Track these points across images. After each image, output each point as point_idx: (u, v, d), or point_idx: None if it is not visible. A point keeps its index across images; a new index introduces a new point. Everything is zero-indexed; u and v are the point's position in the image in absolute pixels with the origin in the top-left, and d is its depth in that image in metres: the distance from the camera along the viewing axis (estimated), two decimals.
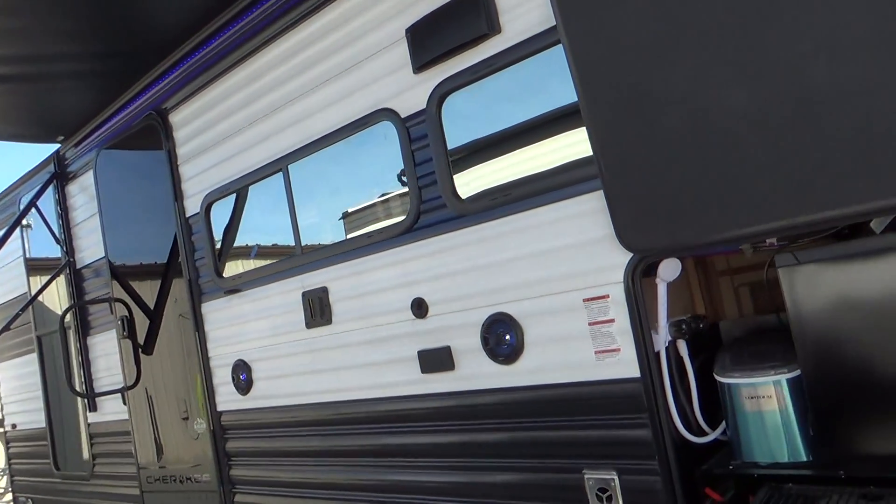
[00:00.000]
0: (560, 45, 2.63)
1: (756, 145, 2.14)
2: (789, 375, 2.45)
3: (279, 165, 3.84)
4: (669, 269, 2.55)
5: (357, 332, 3.51)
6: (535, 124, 2.84)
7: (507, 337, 2.90)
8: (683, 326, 2.62)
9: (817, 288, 2.32)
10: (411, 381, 3.27)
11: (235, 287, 4.19)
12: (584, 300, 2.67)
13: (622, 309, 2.57)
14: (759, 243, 2.74)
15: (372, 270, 3.41)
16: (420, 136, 3.16)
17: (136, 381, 4.95)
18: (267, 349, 4.01)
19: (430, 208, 3.15)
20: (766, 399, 2.48)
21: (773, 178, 2.10)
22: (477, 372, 3.03)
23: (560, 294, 2.74)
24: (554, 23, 2.56)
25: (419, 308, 3.20)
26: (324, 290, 3.64)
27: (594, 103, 2.46)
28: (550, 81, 2.78)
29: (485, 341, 2.98)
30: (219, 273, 4.32)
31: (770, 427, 2.49)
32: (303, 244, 3.76)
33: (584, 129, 2.63)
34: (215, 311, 4.37)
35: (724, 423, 2.68)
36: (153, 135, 5.06)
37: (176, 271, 4.74)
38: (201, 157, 4.39)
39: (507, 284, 2.89)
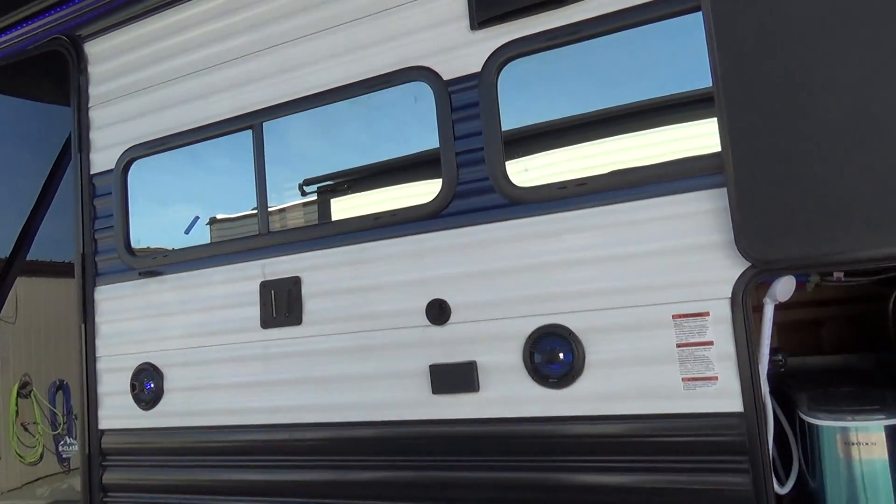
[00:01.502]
0: (667, 20, 2.28)
1: None
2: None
3: (248, 122, 3.06)
4: (785, 289, 2.21)
5: (339, 337, 2.78)
6: (625, 111, 2.43)
7: (562, 355, 2.38)
8: (781, 359, 2.28)
9: None
10: (416, 403, 2.61)
11: (153, 269, 3.26)
12: (675, 316, 2.24)
13: (724, 329, 2.17)
14: (827, 275, 2.52)
15: (373, 261, 2.74)
16: (466, 104, 2.61)
17: None
18: (192, 352, 3.11)
19: (469, 192, 2.58)
20: (869, 446, 2.18)
21: None
22: (512, 395, 2.46)
23: (641, 307, 2.29)
24: None
25: (438, 312, 2.58)
26: (294, 282, 2.88)
27: (734, 88, 2.10)
28: (648, 62, 2.40)
29: (529, 358, 2.43)
30: (129, 249, 3.36)
31: (870, 478, 2.18)
32: (269, 222, 2.99)
33: (690, 120, 2.28)
34: (115, 299, 3.37)
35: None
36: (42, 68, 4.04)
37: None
38: (125, 102, 3.46)
39: (569, 292, 2.39)
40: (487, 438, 2.48)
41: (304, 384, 2.83)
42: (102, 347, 3.39)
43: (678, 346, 2.23)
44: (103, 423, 3.35)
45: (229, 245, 3.08)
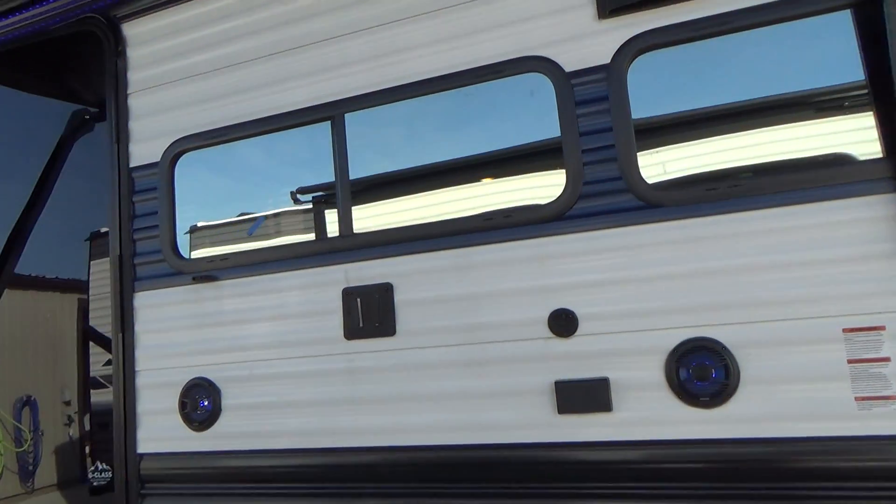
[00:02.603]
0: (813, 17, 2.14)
1: None
2: None
3: (327, 113, 2.78)
4: None
5: (441, 350, 2.51)
6: (778, 103, 2.27)
7: (714, 371, 2.17)
8: None
9: None
10: (538, 424, 2.36)
11: (208, 273, 2.91)
12: (845, 330, 2.07)
13: None
14: None
15: (482, 267, 2.48)
16: (592, 98, 2.41)
17: None
18: (259, 365, 2.78)
19: (597, 192, 2.37)
20: None
21: None
22: (653, 416, 2.24)
23: (805, 320, 2.11)
24: None
25: (563, 323, 2.35)
26: (385, 289, 2.60)
27: None
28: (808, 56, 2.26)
29: (675, 375, 2.21)
30: (177, 251, 3.00)
31: None
32: (354, 223, 2.70)
33: (850, 115, 2.14)
34: (160, 306, 3.01)
35: None
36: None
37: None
38: (172, 89, 3.12)
39: (719, 302, 2.20)
40: (623, 463, 2.24)
41: (398, 402, 2.54)
42: (143, 360, 3.01)
43: (849, 362, 2.06)
44: (143, 446, 2.96)
45: (303, 247, 2.78)
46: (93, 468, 3.04)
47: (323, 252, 2.72)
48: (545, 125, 2.48)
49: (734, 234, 2.20)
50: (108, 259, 3.12)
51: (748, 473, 2.11)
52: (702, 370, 2.19)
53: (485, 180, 2.62)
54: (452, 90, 2.62)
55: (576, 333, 2.34)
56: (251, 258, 2.86)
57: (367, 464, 2.56)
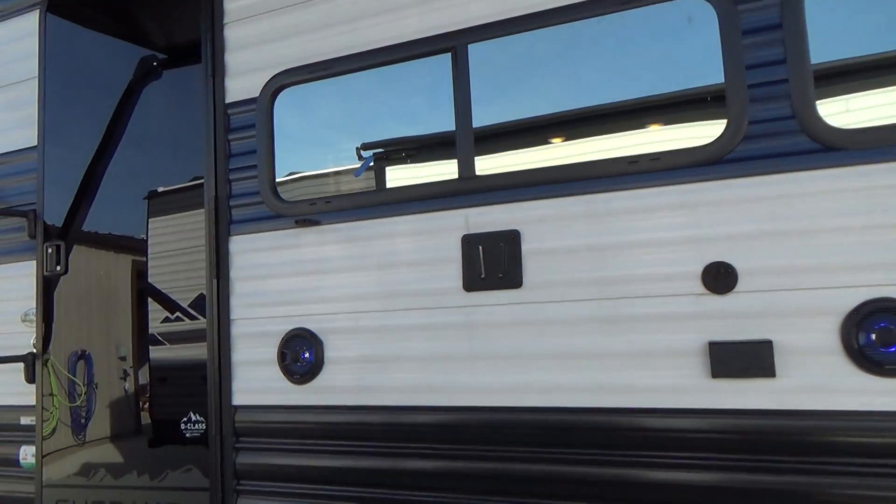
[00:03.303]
0: None
1: None
2: None
3: (447, 43, 2.54)
4: None
5: (574, 305, 2.29)
6: None
7: None
8: None
9: None
10: (688, 388, 2.14)
11: (312, 216, 2.72)
12: None
13: None
14: None
15: (625, 214, 2.25)
16: (760, 27, 2.13)
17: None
18: (366, 317, 2.59)
19: (764, 133, 2.11)
20: None
21: None
22: (825, 384, 1.99)
23: None
24: None
25: (719, 278, 2.11)
26: (511, 236, 2.38)
27: None
28: None
29: (852, 339, 1.96)
30: (276, 192, 2.82)
31: None
32: (476, 164, 2.48)
33: None
34: (257, 251, 2.84)
35: None
36: None
37: None
38: (272, 20, 2.91)
39: None
40: (787, 434, 2.01)
41: (523, 359, 2.33)
42: (239, 308, 2.85)
43: None
44: (238, 398, 2.82)
45: (418, 190, 2.56)
46: (185, 419, 2.91)
47: (441, 195, 2.51)
48: (704, 58, 2.21)
49: None
50: (165, 217, 2.98)
51: None
52: (886, 335, 1.93)
53: (632, 120, 2.37)
54: (591, 18, 2.36)
55: (734, 290, 2.10)
56: (358, 201, 2.66)
57: (485, 423, 2.37)
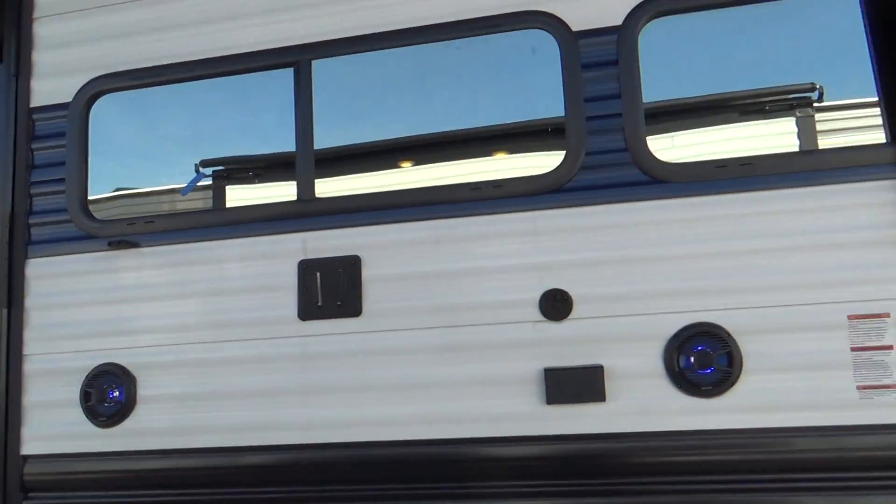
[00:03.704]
0: None
1: None
2: None
3: (292, 57, 2.43)
4: None
5: (417, 334, 2.22)
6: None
7: (717, 358, 2.05)
8: None
9: None
10: (524, 416, 2.13)
11: (129, 238, 2.45)
12: (850, 317, 2.01)
13: None
14: None
15: (468, 241, 2.23)
16: (600, 62, 2.24)
17: None
18: (188, 349, 2.35)
19: (601, 164, 2.20)
20: None
21: None
22: (650, 406, 2.08)
23: (810, 306, 2.04)
24: None
25: (555, 304, 2.15)
26: (351, 262, 2.28)
27: None
28: None
29: (674, 363, 2.07)
30: (87, 210, 2.52)
31: None
32: (318, 186, 2.36)
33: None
34: (60, 276, 2.50)
35: None
36: None
37: None
38: (93, 18, 2.64)
39: (724, 286, 2.08)
40: (617, 456, 2.06)
41: (364, 392, 2.22)
42: (34, 342, 2.47)
43: (853, 349, 2.00)
44: (29, 447, 2.42)
45: (252, 211, 2.39)
46: None
47: (277, 218, 2.35)
48: (549, 88, 2.27)
49: (741, 216, 2.09)
50: None
51: (747, 464, 1.99)
52: (704, 357, 2.05)
53: (474, 148, 2.38)
54: (439, 42, 2.36)
55: (569, 317, 2.14)
56: (184, 222, 2.44)
57: (319, 462, 2.21)
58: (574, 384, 2.10)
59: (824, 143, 2.17)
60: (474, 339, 2.17)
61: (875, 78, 2.10)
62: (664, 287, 2.10)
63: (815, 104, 2.20)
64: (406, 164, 2.41)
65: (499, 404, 2.14)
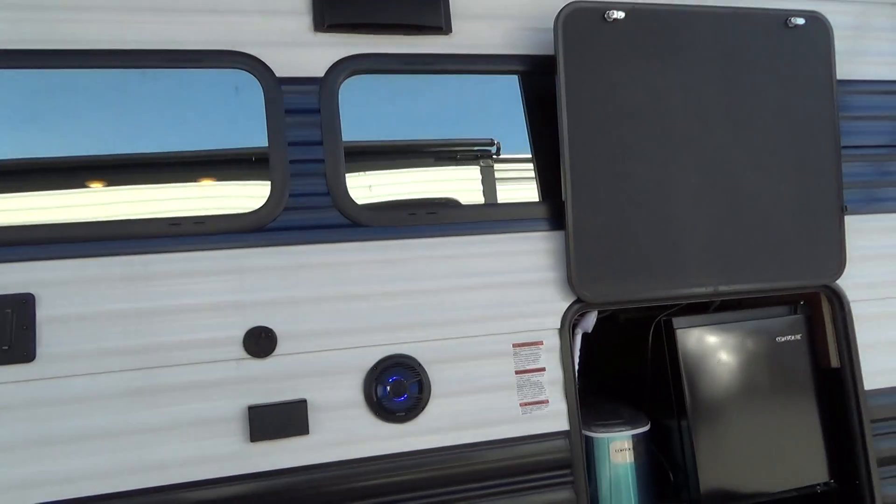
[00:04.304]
0: None
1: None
2: None
3: None
4: (591, 321, 2.59)
5: (101, 378, 2.05)
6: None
7: (409, 386, 2.27)
8: None
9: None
10: (227, 455, 2.10)
11: None
12: (514, 345, 2.40)
13: (553, 357, 2.43)
14: None
15: (165, 278, 2.14)
16: (301, 109, 2.34)
17: None
18: None
19: (305, 206, 2.29)
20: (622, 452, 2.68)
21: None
22: (350, 436, 2.21)
23: (484, 337, 2.38)
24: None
25: (259, 342, 2.17)
26: (21, 301, 2.03)
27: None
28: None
29: (372, 392, 2.24)
30: None
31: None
32: None
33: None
34: None
35: None
36: None
37: None
38: None
39: (414, 321, 2.32)
40: (322, 486, 2.15)
41: (36, 447, 1.97)
42: None
43: (517, 373, 2.38)
44: None
45: None
46: None
47: None
48: (253, 126, 2.29)
49: (427, 258, 2.34)
50: None
51: (440, 480, 2.24)
52: (398, 386, 2.25)
53: (171, 181, 2.28)
54: (139, 69, 2.23)
55: (273, 353, 2.18)
56: None
57: None
58: (278, 419, 2.14)
59: (502, 188, 2.53)
60: (171, 381, 2.08)
61: (530, 145, 2.54)
62: (363, 323, 2.26)
63: (494, 157, 2.58)
64: (92, 186, 2.21)
65: (200, 446, 2.07)
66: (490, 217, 2.43)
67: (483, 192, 2.60)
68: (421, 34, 2.46)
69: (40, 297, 2.03)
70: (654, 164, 2.49)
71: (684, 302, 2.64)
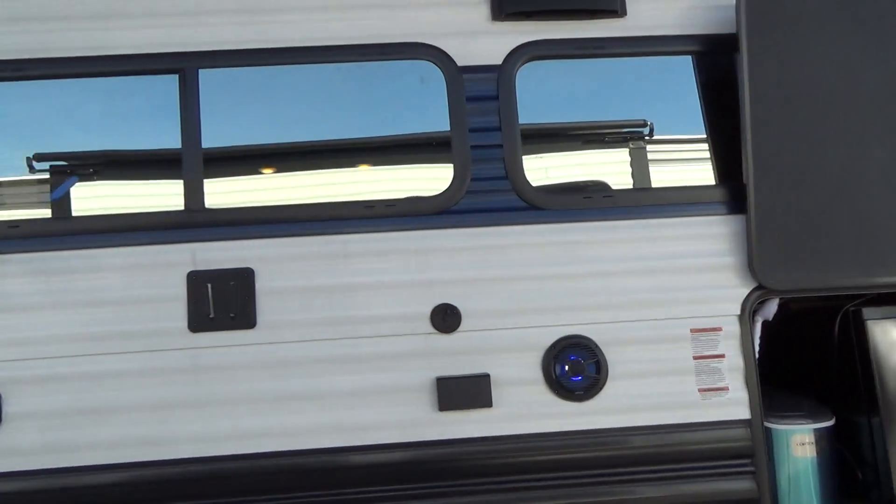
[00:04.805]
0: None
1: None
2: None
3: (176, 64, 2.38)
4: (771, 308, 2.51)
5: (310, 345, 2.28)
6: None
7: (588, 367, 2.32)
8: None
9: None
10: (419, 422, 2.26)
11: None
12: (692, 331, 2.37)
13: (734, 344, 2.37)
14: None
15: (360, 256, 2.33)
16: (481, 96, 2.43)
17: None
18: (62, 363, 2.22)
19: (485, 189, 2.39)
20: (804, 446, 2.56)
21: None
22: (530, 411, 2.30)
23: (660, 321, 2.37)
24: None
25: (445, 318, 2.31)
26: (244, 274, 2.29)
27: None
28: None
29: (551, 371, 2.31)
30: None
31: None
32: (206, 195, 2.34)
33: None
34: None
35: None
36: None
37: None
38: None
39: (591, 303, 2.35)
40: (502, 457, 2.26)
41: (258, 403, 2.23)
42: None
43: (695, 358, 2.35)
44: None
45: (134, 220, 2.31)
46: None
47: (163, 227, 2.29)
48: (434, 116, 2.42)
49: (604, 241, 2.37)
50: None
51: (616, 460, 2.28)
52: (576, 366, 2.30)
53: (363, 165, 2.47)
54: (331, 64, 2.43)
55: (458, 329, 2.30)
56: (55, 227, 2.29)
57: (212, 475, 2.19)
58: (464, 392, 2.27)
59: (662, 170, 2.51)
60: (368, 351, 2.27)
61: (704, 126, 2.48)
62: (540, 304, 2.33)
63: (647, 138, 2.54)
64: (298, 176, 2.45)
65: (395, 411, 2.25)
66: (666, 200, 2.41)
67: (642, 174, 2.57)
68: (596, 18, 2.47)
69: (258, 270, 2.28)
70: (845, 141, 2.35)
71: (879, 291, 2.47)
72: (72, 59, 2.34)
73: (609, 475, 2.27)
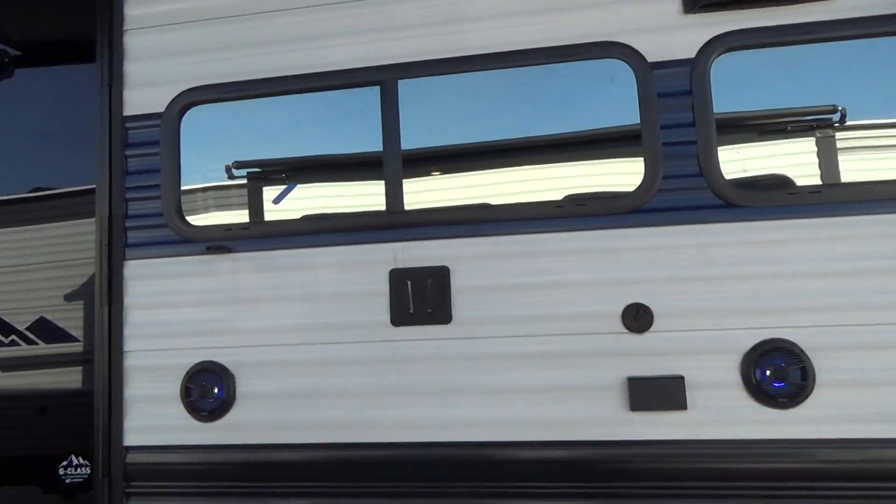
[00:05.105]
0: None
1: None
2: None
3: (377, 77, 2.55)
4: None
5: (502, 341, 2.37)
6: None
7: (791, 372, 2.20)
8: None
9: None
10: (608, 421, 2.28)
11: (223, 242, 2.58)
12: None
13: None
14: None
15: (550, 255, 2.37)
16: (673, 92, 2.37)
17: None
18: (284, 350, 2.49)
19: (678, 187, 2.33)
20: None
21: None
22: (726, 417, 2.22)
23: (877, 326, 2.18)
24: None
25: (636, 318, 2.29)
26: (441, 272, 2.42)
27: None
28: None
29: (751, 375, 2.21)
30: (182, 215, 2.65)
31: None
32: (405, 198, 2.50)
33: None
34: (158, 278, 2.63)
35: None
36: None
37: None
38: (184, 31, 2.75)
39: (797, 305, 2.22)
40: (698, 461, 2.21)
41: (452, 394, 2.37)
42: (134, 339, 2.61)
43: None
44: (130, 438, 2.57)
45: (343, 221, 2.53)
46: (65, 463, 2.59)
47: (367, 228, 2.49)
48: (622, 114, 2.41)
49: (809, 239, 2.22)
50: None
51: (822, 473, 2.15)
52: (778, 371, 2.19)
53: (555, 164, 2.51)
54: (522, 68, 2.48)
55: (649, 329, 2.28)
56: (277, 229, 2.57)
57: (411, 460, 2.36)
58: (656, 393, 2.25)
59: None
60: (558, 348, 2.32)
61: None
62: (738, 305, 2.24)
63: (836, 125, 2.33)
64: (490, 177, 2.54)
65: (585, 409, 2.28)
66: (879, 195, 2.21)
67: (845, 166, 2.36)
68: (800, 3, 2.31)
69: (454, 269, 2.41)
70: None
71: None
72: (282, 78, 2.60)
73: (814, 489, 2.15)
